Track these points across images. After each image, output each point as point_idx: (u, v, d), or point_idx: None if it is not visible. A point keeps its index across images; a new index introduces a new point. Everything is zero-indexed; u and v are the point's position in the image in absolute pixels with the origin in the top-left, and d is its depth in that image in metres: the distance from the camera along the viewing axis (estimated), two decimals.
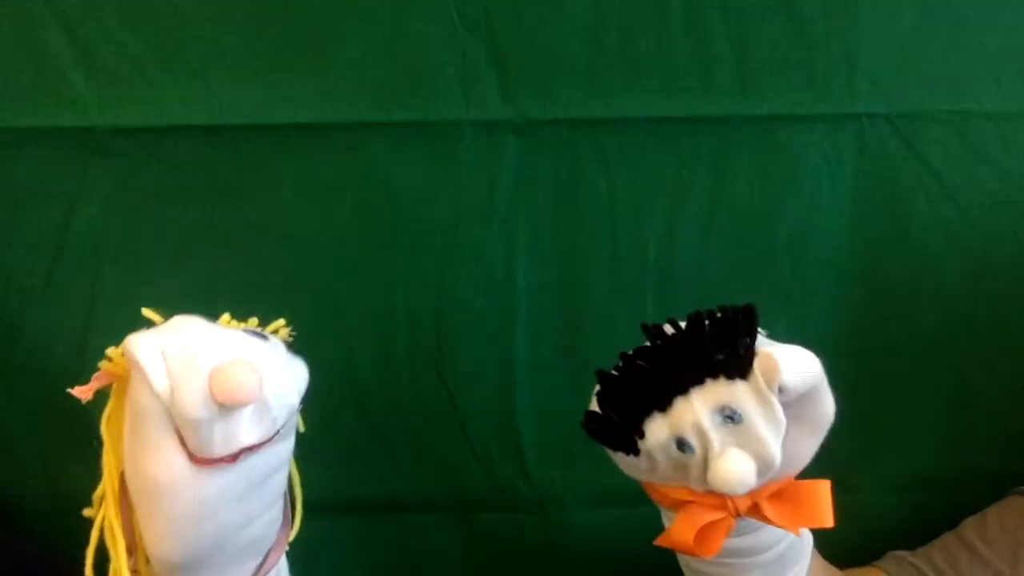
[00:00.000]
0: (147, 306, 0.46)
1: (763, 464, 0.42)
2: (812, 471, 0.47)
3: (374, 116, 0.65)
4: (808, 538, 0.54)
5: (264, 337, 0.45)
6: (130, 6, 0.62)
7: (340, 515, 0.75)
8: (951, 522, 0.72)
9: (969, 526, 0.69)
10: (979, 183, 0.68)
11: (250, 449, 0.42)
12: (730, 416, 0.42)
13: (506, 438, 0.74)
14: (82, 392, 0.43)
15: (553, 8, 0.64)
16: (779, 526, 0.45)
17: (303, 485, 0.72)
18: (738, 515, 0.45)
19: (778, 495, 0.45)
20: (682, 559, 0.53)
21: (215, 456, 0.41)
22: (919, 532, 0.74)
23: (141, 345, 0.40)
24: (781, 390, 0.42)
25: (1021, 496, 0.69)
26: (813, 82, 0.66)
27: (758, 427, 0.42)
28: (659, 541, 0.48)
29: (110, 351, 0.43)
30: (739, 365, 0.42)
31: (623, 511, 0.69)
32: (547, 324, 0.71)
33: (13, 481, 0.72)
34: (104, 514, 0.45)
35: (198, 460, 0.41)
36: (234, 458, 0.42)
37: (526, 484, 0.75)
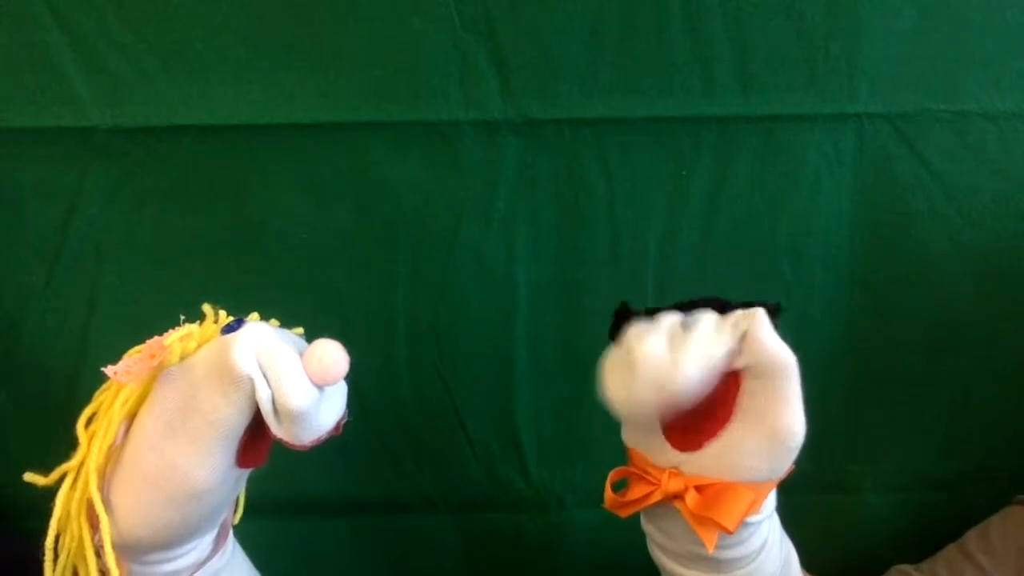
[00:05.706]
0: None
1: (673, 375, 0.43)
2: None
3: (374, 116, 0.65)
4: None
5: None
6: (130, 6, 0.63)
7: (340, 515, 0.75)
8: (950, 523, 0.72)
9: (972, 538, 0.69)
10: (979, 183, 0.68)
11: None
12: (689, 324, 0.45)
13: (506, 438, 0.74)
14: (125, 374, 0.43)
15: (553, 8, 0.64)
16: (689, 513, 0.46)
17: (303, 485, 0.72)
18: (665, 495, 0.47)
19: (706, 488, 0.46)
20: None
21: (308, 444, 0.43)
22: (918, 532, 0.74)
23: (243, 358, 0.41)
24: (745, 335, 0.44)
25: (1023, 506, 0.69)
26: (813, 82, 0.66)
27: (693, 337, 0.43)
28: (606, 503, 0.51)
29: (170, 339, 0.43)
30: (726, 306, 0.46)
31: None
32: (547, 324, 0.71)
33: (12, 480, 0.72)
34: (77, 489, 0.45)
35: (246, 462, 0.44)
36: (317, 442, 0.44)
37: (526, 484, 0.75)
